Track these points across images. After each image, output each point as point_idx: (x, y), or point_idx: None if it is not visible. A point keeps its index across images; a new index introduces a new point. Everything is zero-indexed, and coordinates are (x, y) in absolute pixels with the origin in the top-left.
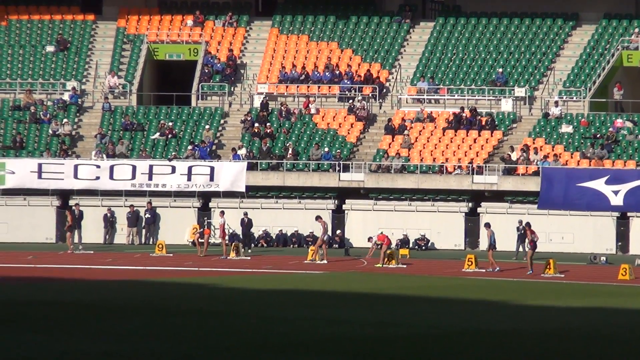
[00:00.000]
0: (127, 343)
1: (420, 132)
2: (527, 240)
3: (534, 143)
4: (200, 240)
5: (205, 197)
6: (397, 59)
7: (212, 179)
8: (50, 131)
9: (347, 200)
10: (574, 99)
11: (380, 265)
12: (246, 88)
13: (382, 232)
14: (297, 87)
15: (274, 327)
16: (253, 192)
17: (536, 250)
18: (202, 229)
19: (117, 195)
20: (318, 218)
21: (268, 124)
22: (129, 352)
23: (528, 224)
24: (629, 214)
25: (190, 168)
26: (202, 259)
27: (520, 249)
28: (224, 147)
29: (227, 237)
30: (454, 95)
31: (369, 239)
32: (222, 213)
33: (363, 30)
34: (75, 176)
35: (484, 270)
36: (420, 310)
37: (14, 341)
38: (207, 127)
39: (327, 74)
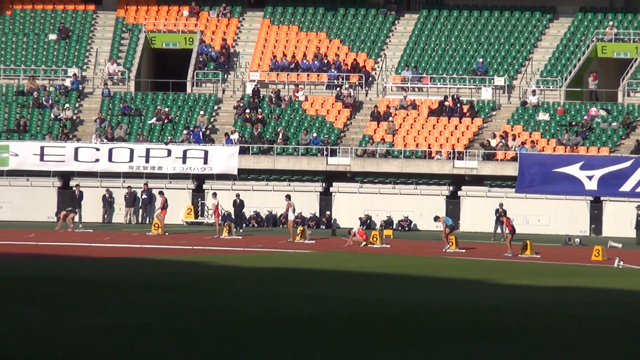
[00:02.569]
0: (124, 317)
1: (404, 119)
2: (504, 225)
3: (512, 130)
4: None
5: (199, 179)
6: (382, 49)
7: (206, 162)
8: (52, 115)
9: (334, 183)
10: (551, 88)
11: (364, 244)
12: (239, 76)
13: (361, 228)
14: (287, 75)
15: (264, 302)
16: (245, 174)
17: (515, 234)
18: (158, 210)
19: (115, 176)
20: (287, 197)
21: (259, 110)
22: (126, 325)
23: (504, 212)
24: (602, 198)
25: (185, 152)
26: (164, 237)
27: (498, 231)
28: (217, 131)
29: (220, 217)
30: (437, 84)
31: (350, 230)
32: (215, 195)
33: (350, 22)
34: (76, 158)
35: (464, 250)
36: (403, 288)
37: (16, 315)
38: (201, 112)
39: (316, 62)
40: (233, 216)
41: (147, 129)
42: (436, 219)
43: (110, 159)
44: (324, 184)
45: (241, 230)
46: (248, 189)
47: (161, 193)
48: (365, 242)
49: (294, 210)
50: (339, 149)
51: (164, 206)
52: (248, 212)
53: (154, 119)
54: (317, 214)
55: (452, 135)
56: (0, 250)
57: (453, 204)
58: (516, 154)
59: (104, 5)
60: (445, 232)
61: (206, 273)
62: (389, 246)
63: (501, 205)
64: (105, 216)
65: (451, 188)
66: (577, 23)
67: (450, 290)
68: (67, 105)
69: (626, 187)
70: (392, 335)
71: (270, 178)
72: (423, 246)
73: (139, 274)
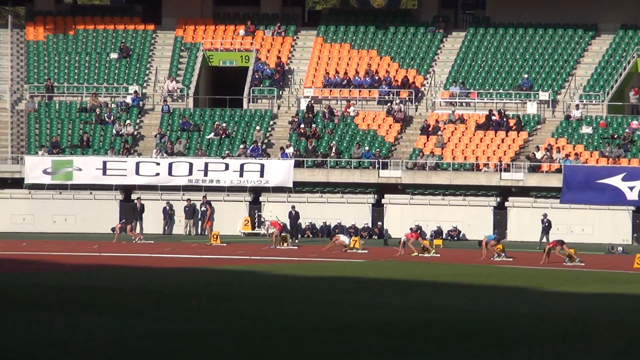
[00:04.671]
0: (185, 325)
1: (452, 133)
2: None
3: (556, 143)
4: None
5: (256, 192)
6: (431, 65)
7: (262, 175)
8: (114, 131)
9: (385, 195)
10: (593, 102)
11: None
12: (293, 92)
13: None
14: (340, 91)
15: (319, 310)
16: (300, 187)
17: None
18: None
19: (175, 190)
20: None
21: (313, 125)
22: (188, 333)
23: (561, 241)
24: None
25: (242, 165)
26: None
27: (544, 240)
28: (273, 146)
29: (282, 229)
30: (484, 99)
31: (400, 241)
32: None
33: (400, 39)
34: (137, 173)
35: (511, 259)
36: (453, 296)
37: (82, 324)
38: (257, 127)
39: (367, 79)
40: (289, 227)
41: (206, 144)
42: (480, 243)
43: (170, 173)
44: (376, 196)
45: (297, 241)
46: (303, 201)
47: (209, 203)
48: (420, 248)
49: (345, 234)
50: (390, 162)
51: (210, 217)
52: (303, 223)
53: (212, 134)
54: (370, 225)
55: (498, 148)
56: (65, 261)
57: (500, 215)
58: (560, 166)
59: (163, 25)
60: (488, 245)
61: (264, 282)
62: (438, 255)
63: (545, 215)
64: (166, 228)
65: (498, 199)
66: (618, 40)
67: (497, 297)
68: (128, 121)
69: None
70: (441, 341)
71: (324, 190)
72: (472, 255)
73: (200, 283)
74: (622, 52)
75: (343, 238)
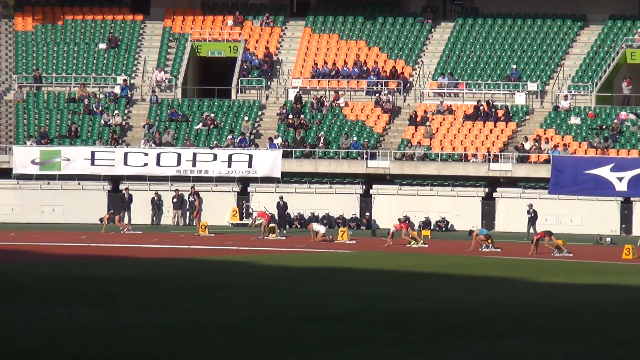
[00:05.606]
0: (173, 314)
1: (440, 123)
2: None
3: (545, 133)
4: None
5: (244, 182)
6: (419, 56)
7: (250, 165)
8: (102, 121)
9: (374, 186)
10: (582, 93)
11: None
12: (281, 82)
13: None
14: (328, 81)
15: (307, 300)
16: (288, 177)
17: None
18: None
19: (163, 180)
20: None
21: (302, 115)
22: (176, 322)
23: (549, 232)
24: (632, 198)
25: (230, 156)
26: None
27: (531, 230)
28: (261, 136)
29: (270, 219)
30: (472, 90)
31: (389, 232)
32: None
33: (389, 30)
34: (125, 163)
35: (499, 250)
36: (441, 286)
37: (71, 313)
38: (245, 118)
39: (355, 69)
40: (277, 218)
41: (194, 134)
42: (470, 232)
43: (158, 163)
44: (364, 186)
45: (285, 231)
46: (291, 191)
47: (197, 194)
48: (411, 239)
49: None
50: (379, 152)
51: (199, 209)
52: (292, 213)
53: (200, 124)
54: (358, 215)
55: (487, 138)
56: (53, 252)
57: (488, 205)
58: (549, 156)
59: (151, 15)
60: (477, 238)
61: (252, 272)
62: (426, 246)
63: (530, 206)
64: (154, 218)
65: (486, 190)
66: (607, 30)
67: (485, 287)
68: (116, 111)
69: None
70: (430, 331)
71: (312, 181)
72: (460, 246)
73: (188, 273)
74: (610, 43)
75: (317, 227)
